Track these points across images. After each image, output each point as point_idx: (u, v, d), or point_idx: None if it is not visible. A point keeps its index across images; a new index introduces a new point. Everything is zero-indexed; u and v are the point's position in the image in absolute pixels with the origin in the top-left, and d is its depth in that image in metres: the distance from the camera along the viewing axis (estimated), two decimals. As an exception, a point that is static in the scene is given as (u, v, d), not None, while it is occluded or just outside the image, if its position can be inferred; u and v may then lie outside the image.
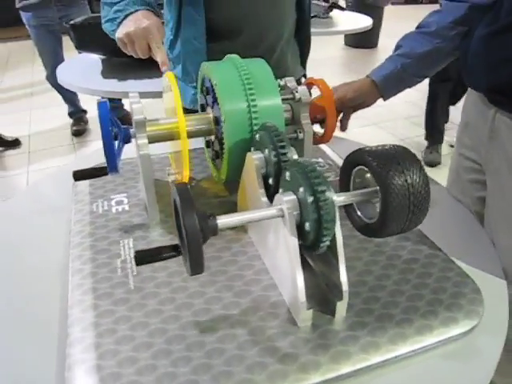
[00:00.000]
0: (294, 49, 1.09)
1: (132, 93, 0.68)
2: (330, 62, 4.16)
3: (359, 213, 0.57)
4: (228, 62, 0.70)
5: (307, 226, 0.49)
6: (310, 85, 0.78)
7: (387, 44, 4.63)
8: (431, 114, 2.40)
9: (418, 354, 0.52)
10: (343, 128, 0.87)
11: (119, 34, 0.78)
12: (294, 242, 0.50)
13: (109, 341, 0.50)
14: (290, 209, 0.50)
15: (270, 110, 0.65)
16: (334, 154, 0.90)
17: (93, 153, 1.03)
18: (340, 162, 0.87)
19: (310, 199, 0.48)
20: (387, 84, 0.82)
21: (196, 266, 0.45)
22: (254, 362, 0.48)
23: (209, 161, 0.80)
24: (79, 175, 0.69)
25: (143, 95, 1.31)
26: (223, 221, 0.48)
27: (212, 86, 0.67)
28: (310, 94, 0.73)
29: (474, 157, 0.81)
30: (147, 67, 1.40)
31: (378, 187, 0.52)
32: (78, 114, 2.73)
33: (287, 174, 0.53)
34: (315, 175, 0.49)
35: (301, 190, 0.50)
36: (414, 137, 2.69)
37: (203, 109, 0.75)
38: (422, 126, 2.47)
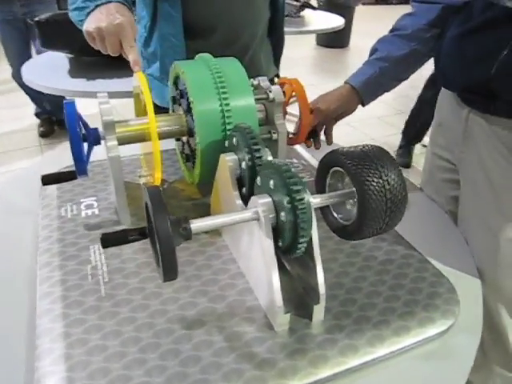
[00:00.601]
0: (268, 48, 1.08)
1: (100, 93, 0.66)
2: (302, 61, 4.17)
3: (336, 214, 0.57)
4: (200, 62, 0.68)
5: (283, 228, 0.49)
6: (282, 84, 0.78)
7: (358, 44, 4.70)
8: (418, 115, 2.39)
9: (396, 355, 0.52)
10: (330, 142, 0.86)
11: (89, 26, 0.72)
12: (270, 245, 0.49)
13: (79, 351, 0.48)
14: (265, 211, 0.49)
15: (243, 111, 0.64)
16: (307, 154, 0.90)
17: (60, 153, 0.99)
18: (314, 163, 0.86)
19: (286, 199, 0.47)
20: (367, 89, 0.82)
21: (169, 272, 0.43)
22: (231, 368, 0.47)
23: (181, 162, 0.78)
24: (48, 179, 0.66)
25: (114, 95, 1.29)
26: (197, 225, 0.47)
27: (186, 90, 0.65)
28: (284, 94, 0.72)
29: (448, 156, 0.82)
30: (117, 66, 1.37)
31: (354, 188, 0.52)
32: (45, 115, 2.64)
33: (258, 178, 0.52)
34: (290, 175, 0.48)
35: (275, 191, 0.49)
36: (385, 136, 2.73)
37: (174, 101, 0.73)
38: (395, 126, 2.51)
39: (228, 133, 0.62)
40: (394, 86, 0.85)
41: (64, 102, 0.63)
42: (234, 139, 0.58)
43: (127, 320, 0.52)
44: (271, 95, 0.70)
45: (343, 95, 0.82)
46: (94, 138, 0.65)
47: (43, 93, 1.38)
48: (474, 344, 0.55)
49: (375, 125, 2.93)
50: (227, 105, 0.63)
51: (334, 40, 4.40)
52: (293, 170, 0.49)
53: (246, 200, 0.57)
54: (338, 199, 0.54)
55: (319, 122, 0.81)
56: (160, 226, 0.41)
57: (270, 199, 0.50)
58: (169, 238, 0.42)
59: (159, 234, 0.41)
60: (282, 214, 0.48)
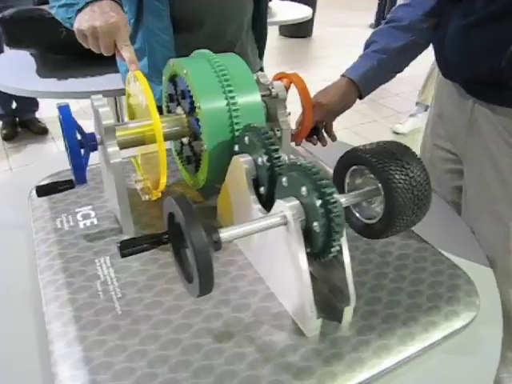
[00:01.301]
0: (253, 41, 1.06)
1: (95, 95, 0.61)
2: (266, 52, 4.14)
3: (357, 214, 0.55)
4: (200, 59, 0.65)
5: (316, 231, 0.47)
6: (279, 79, 0.75)
7: (321, 33, 4.73)
8: None
9: (426, 351, 0.52)
10: (334, 138, 0.85)
11: (81, 25, 0.68)
12: (302, 250, 0.47)
13: (105, 377, 0.45)
14: (294, 215, 0.47)
15: (250, 108, 0.61)
16: (307, 153, 0.88)
17: (30, 158, 0.93)
18: (315, 161, 0.85)
19: (318, 203, 0.45)
20: (365, 82, 0.81)
21: (206, 286, 0.41)
22: (269, 381, 0.45)
23: (179, 164, 0.74)
24: (43, 191, 0.61)
25: (89, 95, 1.23)
26: (226, 234, 0.44)
27: (188, 89, 0.61)
28: (286, 89, 0.70)
29: (450, 147, 0.83)
30: (89, 64, 1.30)
31: (379, 185, 0.51)
32: (7, 117, 2.49)
33: (284, 178, 0.50)
34: (321, 177, 0.46)
35: (304, 193, 0.47)
36: (359, 125, 2.74)
37: (171, 99, 0.69)
38: (367, 115, 2.53)
39: (236, 133, 0.60)
40: (390, 78, 0.84)
41: (58, 105, 0.59)
42: (246, 139, 0.55)
43: (151, 338, 0.49)
44: (274, 91, 0.68)
45: (342, 89, 0.81)
46: (92, 143, 0.60)
47: (6, 93, 1.29)
48: (498, 333, 0.55)
49: (347, 114, 2.96)
50: (234, 104, 0.60)
51: (297, 30, 4.40)
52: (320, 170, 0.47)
53: (262, 204, 0.55)
54: (363, 198, 0.53)
55: (320, 117, 0.79)
56: (196, 238, 0.39)
57: (297, 202, 0.48)
58: (206, 251, 0.39)
59: (195, 247, 0.38)
60: (315, 217, 0.46)
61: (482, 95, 0.71)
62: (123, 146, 0.61)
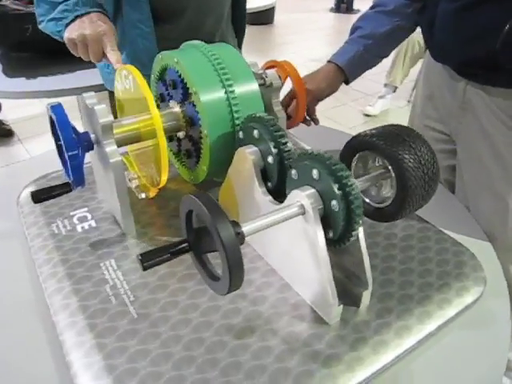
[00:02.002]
0: (232, 31, 1.04)
1: (86, 92, 0.58)
2: (228, 41, 4.09)
3: (367, 199, 0.55)
4: (191, 49, 0.63)
5: (335, 218, 0.46)
6: (270, 68, 0.74)
7: (283, 20, 4.71)
8: None
9: (443, 328, 0.53)
10: (316, 122, 0.84)
11: (71, 34, 0.71)
12: (322, 239, 0.47)
13: (132, 384, 0.43)
14: (313, 203, 0.47)
15: (249, 97, 0.60)
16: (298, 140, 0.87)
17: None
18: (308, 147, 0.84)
19: (336, 187, 0.45)
20: (352, 67, 0.81)
21: (236, 282, 0.40)
22: (299, 372, 0.45)
23: (174, 160, 0.72)
24: (39, 196, 0.58)
25: (60, 93, 1.18)
26: (248, 228, 0.43)
27: (180, 78, 0.59)
28: (280, 78, 0.69)
29: (442, 128, 0.84)
30: (57, 61, 1.24)
31: (390, 167, 0.51)
32: None
33: (293, 171, 0.50)
34: (334, 162, 0.46)
35: (319, 181, 0.47)
36: (330, 109, 2.74)
37: (163, 99, 0.67)
38: (338, 99, 2.53)
39: (237, 122, 0.59)
40: (377, 63, 0.85)
41: (49, 105, 0.56)
42: (254, 131, 0.54)
43: (172, 339, 0.48)
44: (268, 80, 0.67)
45: (330, 74, 0.81)
46: (87, 143, 0.58)
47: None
48: (506, 304, 0.57)
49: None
50: (232, 92, 0.59)
51: (259, 17, 4.36)
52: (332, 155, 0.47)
53: (272, 196, 0.54)
54: (374, 182, 0.53)
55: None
56: (224, 234, 0.38)
57: (313, 190, 0.47)
58: (236, 246, 0.38)
59: (225, 243, 0.37)
60: (334, 202, 0.46)
61: (476, 77, 0.72)
62: (120, 143, 0.59)
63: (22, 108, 2.52)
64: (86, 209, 0.67)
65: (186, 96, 0.60)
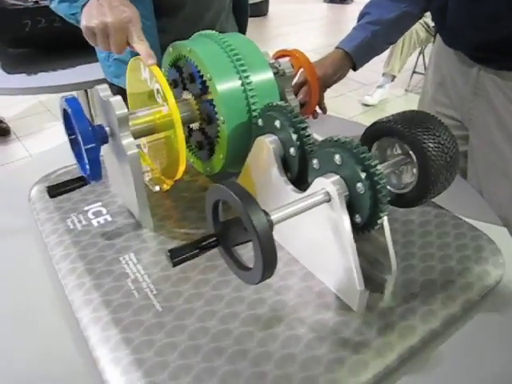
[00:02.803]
0: (234, 23, 1.03)
1: (100, 85, 0.57)
2: (221, 34, 4.06)
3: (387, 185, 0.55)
4: (205, 39, 0.62)
5: (361, 201, 0.46)
6: (280, 57, 0.74)
7: (277, 11, 4.68)
8: None
9: (467, 312, 0.53)
10: (325, 111, 0.84)
11: (90, 21, 0.61)
12: (348, 226, 0.47)
13: (162, 377, 0.43)
14: (339, 190, 0.46)
15: (265, 86, 0.59)
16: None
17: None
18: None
19: (363, 175, 0.45)
20: (360, 53, 0.80)
21: (270, 270, 0.39)
22: (330, 359, 0.45)
23: (187, 151, 0.72)
24: (55, 191, 0.57)
25: (62, 88, 1.16)
26: (276, 216, 0.43)
27: (199, 72, 0.58)
28: (293, 66, 0.68)
29: (453, 114, 0.84)
30: (57, 56, 1.22)
31: (412, 154, 0.51)
32: None
33: (315, 161, 0.49)
34: (356, 145, 0.46)
35: (343, 166, 0.46)
36: (327, 99, 2.74)
37: (176, 85, 0.66)
38: (333, 89, 2.52)
39: (254, 114, 0.58)
40: (384, 49, 0.84)
41: (63, 98, 0.55)
42: (277, 121, 0.53)
43: (199, 331, 0.47)
44: (281, 69, 0.66)
45: (337, 60, 0.80)
46: (103, 136, 0.57)
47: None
48: (527, 286, 0.57)
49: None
50: (247, 77, 0.57)
51: (253, 9, 4.30)
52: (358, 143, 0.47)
53: (295, 184, 0.54)
54: (395, 168, 0.53)
55: None
56: (257, 221, 0.37)
57: (338, 177, 0.47)
58: (268, 233, 0.38)
59: (258, 231, 0.37)
60: (359, 185, 0.45)
61: (490, 62, 0.72)
62: (135, 136, 0.58)
63: (18, 105, 2.50)
64: (100, 203, 0.66)
65: (203, 91, 0.59)
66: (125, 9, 0.61)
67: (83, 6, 0.64)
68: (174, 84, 0.66)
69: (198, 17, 0.91)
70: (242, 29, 1.06)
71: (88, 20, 0.61)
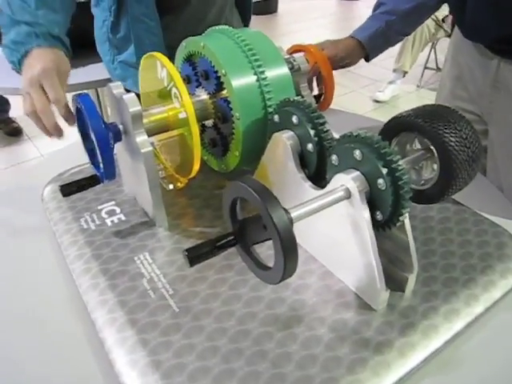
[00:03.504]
0: (237, 15, 1.02)
1: (113, 82, 0.57)
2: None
3: (408, 181, 0.54)
4: (218, 34, 0.61)
5: (383, 198, 0.45)
6: (295, 52, 0.73)
7: (286, 8, 4.66)
8: None
9: (490, 310, 0.51)
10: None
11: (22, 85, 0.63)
12: (369, 223, 0.46)
13: (180, 380, 0.42)
14: (359, 186, 0.45)
15: (280, 82, 0.58)
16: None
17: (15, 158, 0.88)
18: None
19: (385, 171, 0.43)
20: (373, 43, 0.79)
21: (291, 269, 0.38)
22: (352, 360, 0.44)
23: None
24: (68, 190, 0.57)
25: (73, 88, 1.15)
26: (296, 213, 0.42)
27: (214, 69, 0.57)
28: (308, 61, 0.67)
29: (472, 108, 0.82)
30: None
31: (433, 149, 0.49)
32: None
33: (334, 157, 0.48)
34: (376, 140, 0.44)
35: (363, 162, 0.45)
36: (336, 97, 2.72)
37: (189, 81, 0.65)
38: (343, 85, 2.50)
39: (269, 110, 0.57)
40: (399, 41, 0.83)
41: (76, 96, 0.54)
42: (295, 117, 0.52)
43: (218, 332, 0.46)
44: (296, 64, 0.65)
45: (348, 47, 0.79)
46: (116, 133, 0.56)
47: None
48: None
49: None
50: (262, 73, 0.56)
51: (263, 7, 4.31)
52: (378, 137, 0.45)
53: (312, 181, 0.53)
54: (415, 163, 0.51)
55: None
56: (278, 218, 0.36)
57: (358, 173, 0.46)
58: (290, 230, 0.37)
59: (280, 230, 0.36)
60: (380, 181, 0.44)
61: (511, 54, 0.70)
62: (149, 133, 0.57)
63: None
64: (113, 202, 0.65)
65: (218, 89, 0.58)
66: (41, 62, 0.62)
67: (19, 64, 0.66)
68: (187, 80, 0.65)
69: (203, 13, 0.91)
70: (246, 22, 1.05)
71: (23, 82, 0.63)
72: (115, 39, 0.90)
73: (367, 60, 0.82)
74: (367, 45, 0.79)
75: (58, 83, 0.63)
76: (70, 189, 0.57)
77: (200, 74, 0.60)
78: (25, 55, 0.65)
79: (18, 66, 0.67)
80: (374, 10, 0.82)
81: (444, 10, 2.40)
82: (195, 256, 0.42)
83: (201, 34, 0.62)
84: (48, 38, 0.67)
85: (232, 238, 0.42)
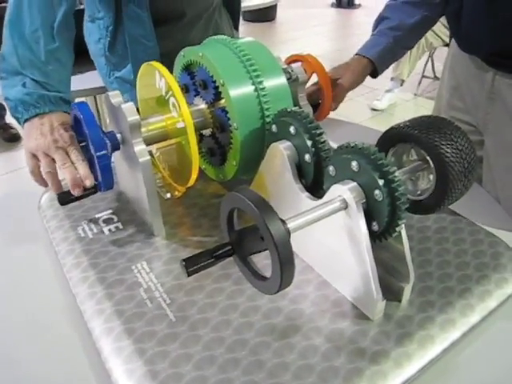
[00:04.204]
0: (226, 15, 1.02)
1: (111, 92, 0.57)
2: (230, 39, 4.06)
3: (404, 191, 0.54)
4: (217, 44, 0.61)
5: (379, 209, 0.45)
6: (293, 62, 0.73)
7: (285, 16, 4.69)
8: None
9: (486, 320, 0.52)
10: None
11: (29, 141, 0.62)
12: (365, 234, 0.46)
13: (178, 389, 0.42)
14: (356, 197, 0.45)
15: (278, 92, 0.59)
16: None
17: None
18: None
19: (381, 182, 0.44)
20: (382, 60, 0.80)
21: (288, 279, 0.39)
22: (348, 370, 0.44)
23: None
24: (65, 199, 0.57)
25: (71, 95, 1.16)
26: (293, 224, 0.42)
27: (212, 79, 0.58)
28: (306, 71, 0.68)
29: (468, 119, 0.83)
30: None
31: (429, 160, 0.50)
32: None
33: (333, 163, 0.48)
34: (373, 151, 0.45)
35: (360, 173, 0.45)
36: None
37: (187, 90, 0.65)
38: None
39: (267, 119, 0.57)
40: (402, 55, 0.84)
41: (74, 104, 0.54)
42: (292, 128, 0.52)
43: (214, 341, 0.46)
44: (293, 74, 0.65)
45: (359, 68, 0.79)
46: (114, 142, 0.56)
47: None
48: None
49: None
50: (262, 89, 0.57)
51: (262, 14, 4.33)
52: (374, 148, 0.46)
53: (309, 191, 0.53)
54: (412, 174, 0.52)
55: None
56: (275, 231, 0.36)
57: (355, 183, 0.46)
58: (287, 242, 0.37)
59: (276, 241, 0.36)
60: (377, 192, 0.44)
61: (505, 67, 0.71)
62: (147, 142, 0.57)
63: (27, 112, 2.50)
64: (110, 211, 0.66)
65: (216, 98, 0.59)
66: (63, 131, 0.60)
67: (25, 120, 0.64)
68: (185, 89, 0.65)
69: (197, 19, 0.91)
70: (235, 23, 1.06)
71: (29, 141, 0.61)
72: (112, 57, 0.90)
73: (374, 76, 0.82)
74: (377, 61, 0.80)
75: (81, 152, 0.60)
76: (67, 197, 0.57)
77: (198, 83, 0.61)
78: (35, 116, 0.63)
79: (22, 123, 0.65)
80: (377, 24, 0.83)
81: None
82: (193, 266, 0.42)
83: (193, 40, 0.62)
84: (60, 104, 0.65)
85: (229, 248, 0.43)
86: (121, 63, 0.90)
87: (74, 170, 0.56)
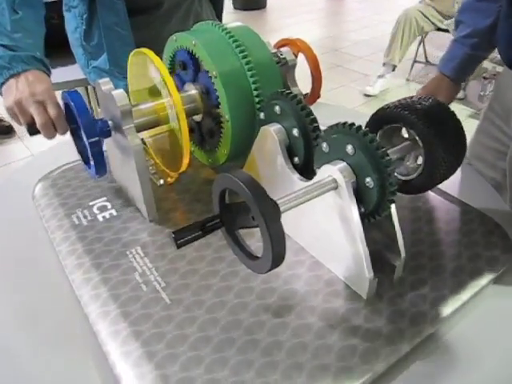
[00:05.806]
0: (209, 5, 1.02)
1: (101, 79, 0.57)
2: (220, 28, 4.03)
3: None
4: (202, 27, 0.61)
5: (369, 195, 0.46)
6: (282, 46, 0.73)
7: (275, 4, 4.65)
8: None
9: (476, 297, 0.52)
10: None
11: (8, 100, 0.64)
12: (356, 213, 0.46)
13: (174, 369, 0.43)
14: (346, 177, 0.46)
15: (265, 68, 0.59)
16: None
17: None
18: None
19: (371, 166, 0.44)
20: (461, 72, 0.80)
21: (279, 258, 0.39)
22: (341, 347, 0.45)
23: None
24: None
25: (62, 86, 1.15)
26: (283, 203, 0.43)
27: (192, 56, 0.58)
28: (295, 55, 0.67)
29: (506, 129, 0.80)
30: (56, 54, 1.21)
31: (418, 139, 0.50)
32: None
33: (324, 144, 0.49)
34: (371, 138, 0.45)
35: (352, 155, 0.46)
36: (326, 92, 2.74)
37: (185, 67, 0.65)
38: (332, 80, 2.50)
39: (256, 99, 0.57)
40: (483, 59, 0.83)
41: (64, 92, 0.54)
42: (276, 106, 0.52)
43: (209, 323, 0.47)
44: (283, 57, 0.65)
45: (440, 86, 0.81)
46: (106, 129, 0.56)
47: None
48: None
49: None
50: (248, 62, 0.57)
51: (251, 2, 4.30)
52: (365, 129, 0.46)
53: (299, 172, 0.53)
54: (402, 154, 0.52)
55: None
56: (266, 210, 0.37)
57: (345, 163, 0.47)
58: (278, 222, 0.37)
59: (268, 222, 0.37)
60: (368, 179, 0.45)
61: None
62: (139, 129, 0.57)
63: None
64: (105, 198, 0.66)
65: (197, 70, 0.60)
66: (39, 85, 0.63)
67: (2, 85, 0.65)
68: (183, 66, 0.63)
69: (175, 9, 0.91)
70: (219, 12, 1.05)
71: (7, 99, 0.64)
72: (89, 46, 0.90)
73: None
74: (455, 77, 0.79)
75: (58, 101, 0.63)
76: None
77: (178, 63, 0.61)
78: (9, 78, 0.65)
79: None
80: (455, 27, 0.81)
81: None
82: (182, 238, 0.42)
83: (171, 30, 0.63)
84: (33, 62, 0.67)
85: (218, 221, 0.43)
86: (97, 52, 0.90)
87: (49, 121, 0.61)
